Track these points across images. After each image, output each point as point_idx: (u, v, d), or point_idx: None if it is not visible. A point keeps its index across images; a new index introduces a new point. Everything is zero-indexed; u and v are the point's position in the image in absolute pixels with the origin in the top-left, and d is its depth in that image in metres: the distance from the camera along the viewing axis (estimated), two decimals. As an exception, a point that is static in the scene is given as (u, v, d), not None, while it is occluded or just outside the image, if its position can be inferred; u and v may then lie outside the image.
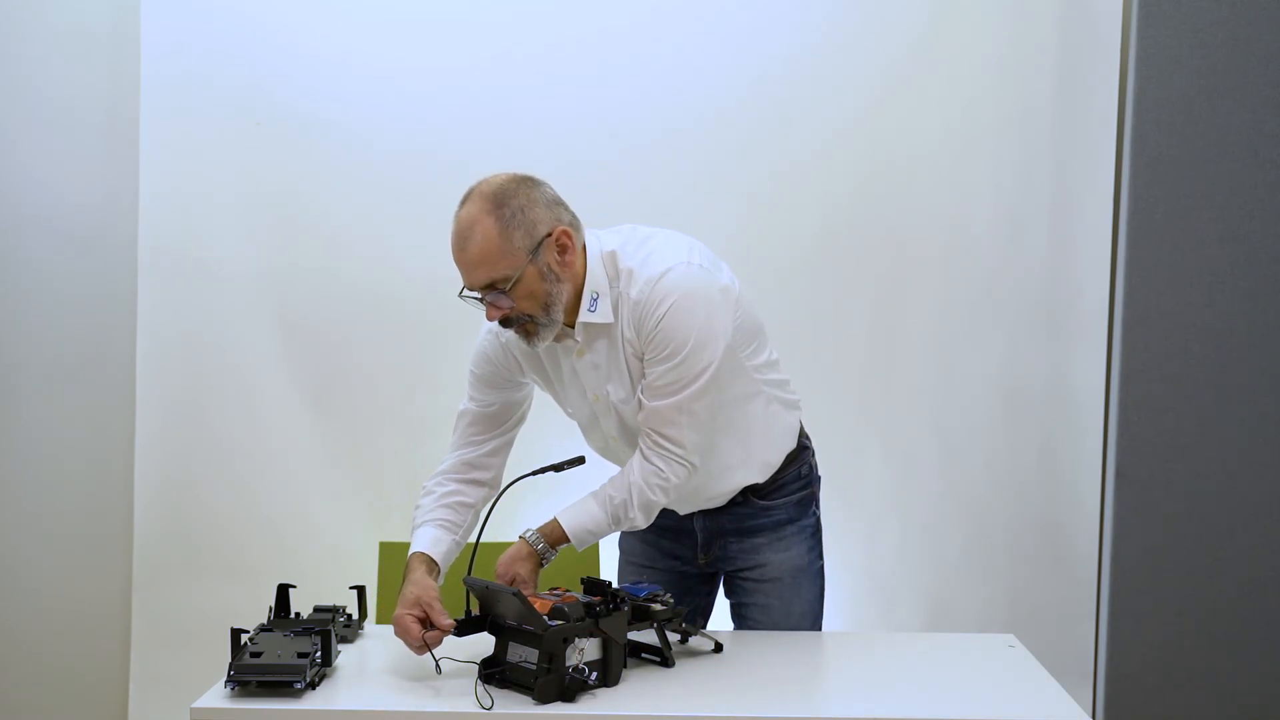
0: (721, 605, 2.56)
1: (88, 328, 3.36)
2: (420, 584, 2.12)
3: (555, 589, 2.13)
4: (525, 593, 2.07)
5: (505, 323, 2.13)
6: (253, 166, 3.25)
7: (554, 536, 2.19)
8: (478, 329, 3.26)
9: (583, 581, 2.14)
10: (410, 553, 2.21)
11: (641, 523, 2.22)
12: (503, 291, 2.09)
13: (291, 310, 3.29)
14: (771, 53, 3.24)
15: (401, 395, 3.32)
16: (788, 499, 2.42)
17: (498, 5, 3.25)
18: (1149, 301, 3.06)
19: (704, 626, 2.49)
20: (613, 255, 2.17)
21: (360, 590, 2.36)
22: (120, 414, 3.34)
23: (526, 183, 2.13)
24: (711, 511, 2.41)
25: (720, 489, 2.37)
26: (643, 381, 2.18)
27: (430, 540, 2.22)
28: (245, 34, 3.23)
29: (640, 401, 2.19)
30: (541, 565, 2.19)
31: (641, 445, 2.20)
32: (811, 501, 2.47)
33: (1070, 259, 3.28)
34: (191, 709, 1.91)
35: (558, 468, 2.23)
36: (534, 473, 2.26)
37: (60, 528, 3.40)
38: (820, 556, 2.49)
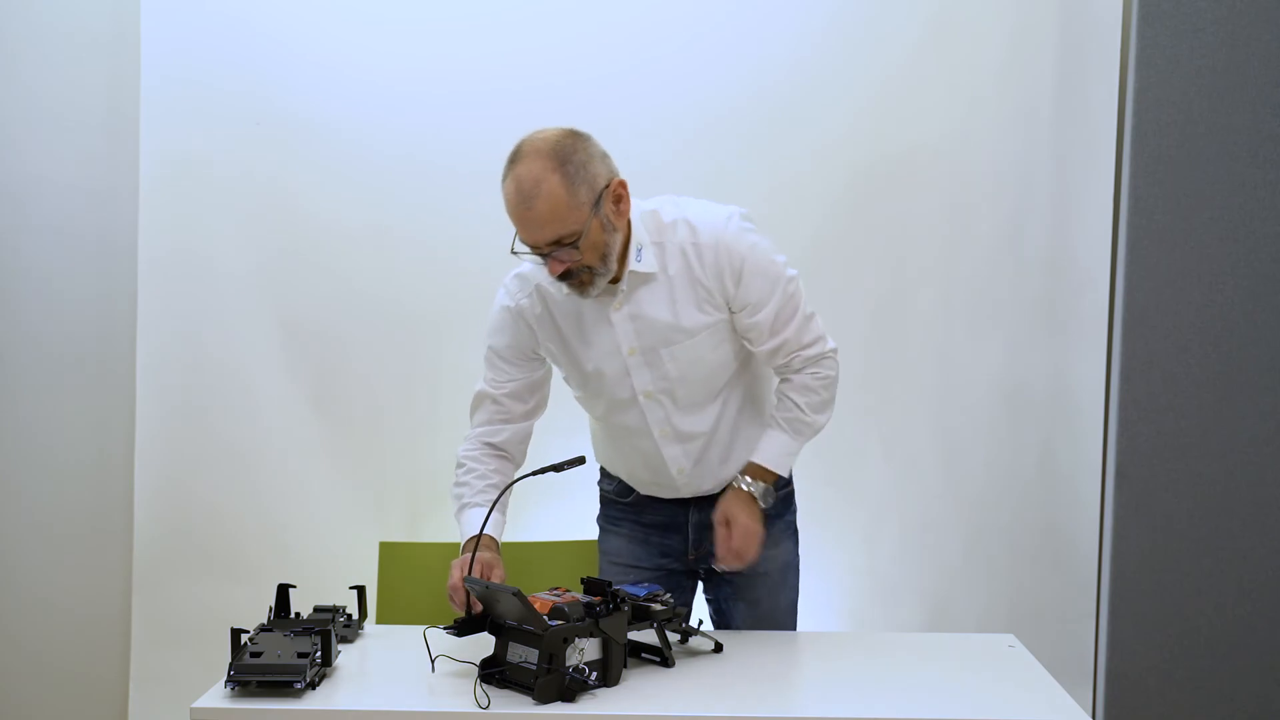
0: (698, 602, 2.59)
1: (88, 327, 3.36)
2: (494, 559, 2.22)
3: (555, 589, 2.13)
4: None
5: (565, 275, 2.17)
6: (252, 167, 3.25)
7: (756, 472, 2.31)
8: (478, 328, 3.27)
9: (583, 581, 2.14)
10: (475, 532, 2.23)
11: (819, 419, 2.35)
12: (573, 246, 2.12)
13: (291, 310, 3.29)
14: (772, 55, 3.24)
15: (401, 395, 3.32)
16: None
17: (497, 7, 3.25)
18: (1149, 301, 3.06)
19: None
20: (654, 213, 2.26)
21: (360, 590, 2.37)
22: (120, 414, 3.34)
23: (581, 137, 2.17)
24: (705, 507, 2.43)
25: (724, 473, 2.41)
26: (758, 330, 2.28)
27: (493, 524, 2.27)
28: (245, 35, 3.23)
29: (755, 354, 2.33)
30: (762, 507, 2.31)
31: (784, 377, 2.34)
32: (792, 498, 2.54)
33: (1070, 259, 3.28)
34: (191, 709, 1.91)
35: (558, 468, 2.24)
36: (534, 473, 2.27)
37: (60, 528, 3.40)
38: (799, 552, 2.56)
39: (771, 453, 2.32)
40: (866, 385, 3.30)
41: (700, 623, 2.43)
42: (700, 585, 2.56)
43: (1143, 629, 3.09)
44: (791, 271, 2.30)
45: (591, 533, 2.84)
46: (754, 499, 2.30)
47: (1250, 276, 3.04)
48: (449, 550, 2.73)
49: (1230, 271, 3.05)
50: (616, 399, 2.35)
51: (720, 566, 2.35)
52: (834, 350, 2.35)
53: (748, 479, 2.32)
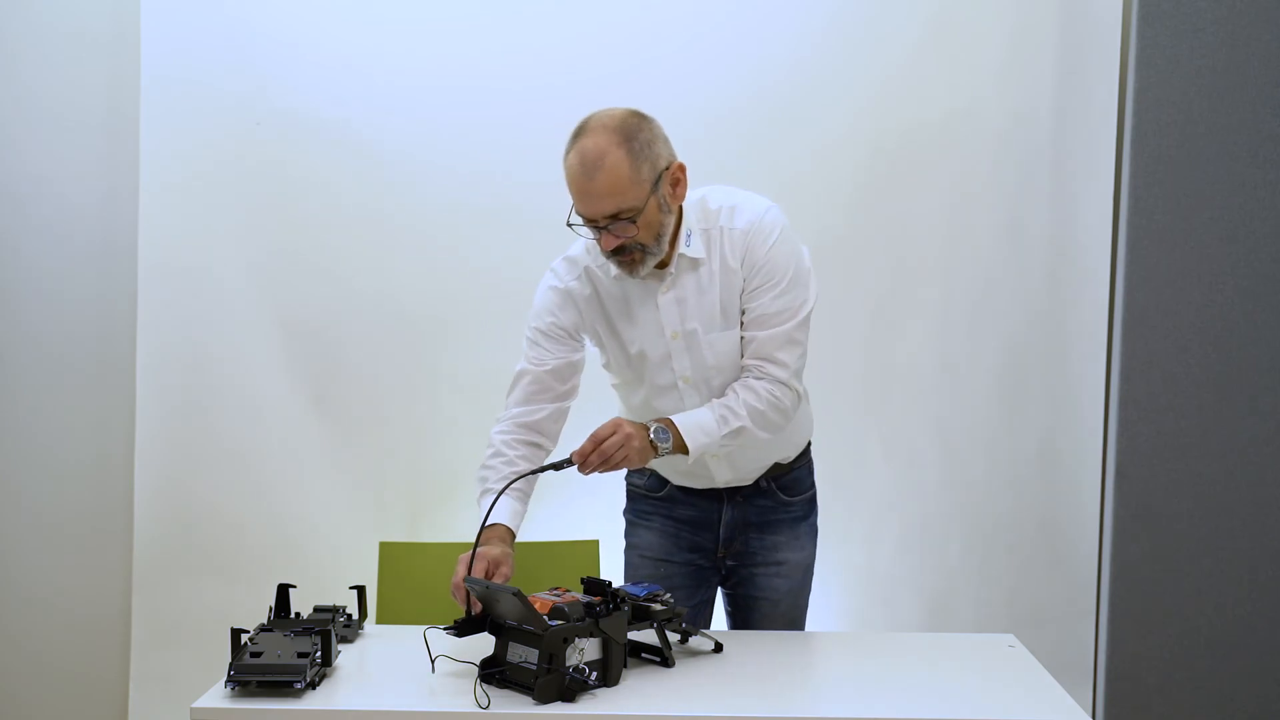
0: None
1: (88, 327, 3.36)
2: (505, 552, 2.20)
3: (555, 589, 2.13)
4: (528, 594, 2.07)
5: (618, 250, 2.21)
6: (252, 167, 3.25)
7: (666, 423, 2.25)
8: (478, 327, 3.27)
9: (583, 581, 2.14)
10: (491, 522, 2.23)
11: (751, 428, 2.27)
12: (631, 221, 2.16)
13: (291, 310, 3.29)
14: (772, 55, 3.24)
15: (401, 395, 3.32)
16: (803, 495, 2.53)
17: (497, 7, 3.25)
18: (1149, 301, 3.06)
19: (709, 620, 2.54)
20: (702, 200, 2.32)
21: (360, 590, 2.37)
22: (120, 414, 3.34)
23: (646, 118, 2.23)
24: (739, 503, 2.47)
25: (759, 460, 2.45)
26: (747, 318, 2.29)
27: (510, 513, 2.28)
28: (245, 34, 3.23)
29: (741, 339, 2.31)
30: (653, 446, 2.22)
31: (742, 380, 2.30)
32: (815, 501, 2.57)
33: (1070, 259, 3.28)
34: (191, 709, 1.91)
35: (556, 467, 2.24)
36: (532, 472, 2.28)
37: (60, 528, 3.40)
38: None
39: (689, 419, 2.26)
40: (866, 385, 3.31)
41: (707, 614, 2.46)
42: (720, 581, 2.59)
43: (1143, 629, 3.09)
44: (809, 291, 2.32)
45: (591, 532, 2.85)
46: (647, 429, 2.23)
47: (1250, 276, 3.04)
48: (449, 550, 2.73)
49: (1230, 271, 3.05)
50: (657, 384, 2.38)
51: (576, 457, 2.21)
52: (795, 391, 2.32)
53: (657, 423, 2.25)
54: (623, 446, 2.18)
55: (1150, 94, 3.04)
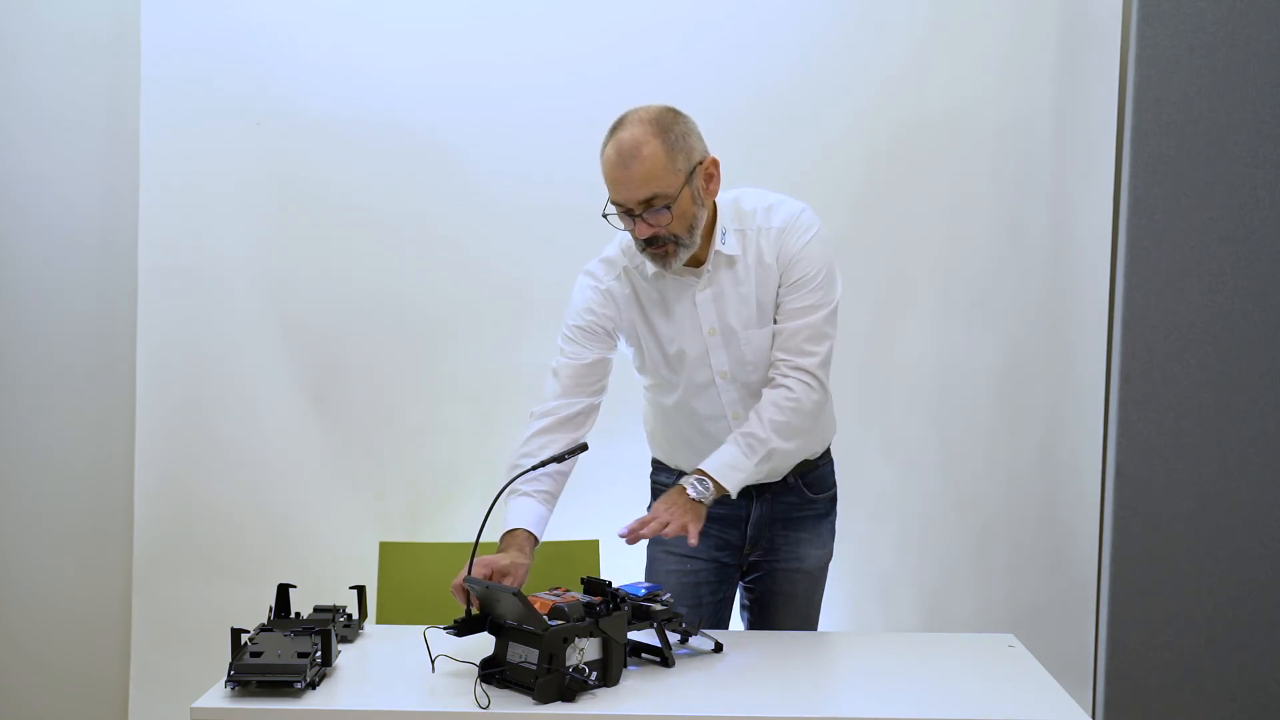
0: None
1: (88, 327, 3.36)
2: (515, 561, 2.20)
3: (555, 589, 2.13)
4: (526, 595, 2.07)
5: (651, 241, 2.26)
6: (253, 167, 3.25)
7: (698, 473, 2.29)
8: (478, 327, 3.27)
9: (583, 581, 2.14)
10: (514, 525, 2.27)
11: (778, 443, 2.31)
12: (665, 208, 2.22)
13: (291, 310, 3.29)
14: (772, 54, 3.24)
15: (401, 395, 3.32)
16: (826, 493, 2.58)
17: (498, 7, 3.25)
18: (1149, 301, 3.06)
19: (729, 616, 2.58)
20: (736, 200, 2.41)
21: (360, 590, 2.37)
22: (120, 414, 3.34)
23: (680, 114, 2.32)
24: (767, 500, 2.50)
25: (794, 457, 2.47)
26: (779, 312, 2.36)
27: (535, 518, 2.30)
28: (245, 34, 3.23)
29: (772, 334, 2.37)
30: (696, 502, 2.26)
31: (770, 378, 2.36)
32: (836, 499, 2.63)
33: (1070, 259, 3.28)
34: (191, 709, 1.92)
35: (559, 458, 2.26)
36: (534, 467, 2.28)
37: (60, 528, 3.40)
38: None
39: (717, 461, 2.30)
40: (866, 385, 3.31)
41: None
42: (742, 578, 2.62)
43: (1143, 629, 3.09)
44: (837, 289, 2.39)
45: (591, 533, 2.85)
46: (683, 489, 2.27)
47: (1250, 276, 3.04)
48: (449, 550, 2.74)
49: (1230, 271, 3.05)
50: (694, 382, 2.43)
51: (627, 530, 2.25)
52: (821, 384, 2.36)
53: (690, 476, 2.30)
54: (668, 513, 2.22)
55: (1150, 94, 3.04)
